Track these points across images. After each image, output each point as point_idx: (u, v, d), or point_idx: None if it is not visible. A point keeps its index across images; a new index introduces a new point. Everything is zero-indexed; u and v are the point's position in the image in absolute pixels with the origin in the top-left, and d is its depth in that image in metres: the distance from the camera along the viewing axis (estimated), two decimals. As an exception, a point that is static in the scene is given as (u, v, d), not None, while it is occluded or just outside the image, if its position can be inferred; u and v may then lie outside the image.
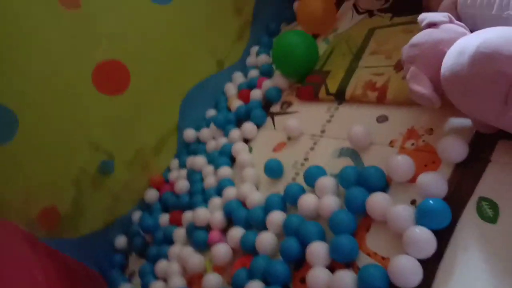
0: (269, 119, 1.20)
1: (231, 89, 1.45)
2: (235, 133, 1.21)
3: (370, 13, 1.16)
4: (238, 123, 1.27)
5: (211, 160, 1.21)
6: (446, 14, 0.73)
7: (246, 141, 1.20)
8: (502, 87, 0.54)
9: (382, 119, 0.89)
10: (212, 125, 1.35)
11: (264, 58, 1.42)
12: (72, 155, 1.22)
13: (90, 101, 1.22)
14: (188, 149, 1.38)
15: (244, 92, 1.35)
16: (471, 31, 0.80)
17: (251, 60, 1.52)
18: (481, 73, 0.56)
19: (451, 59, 0.62)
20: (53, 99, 1.15)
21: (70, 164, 1.22)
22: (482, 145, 0.68)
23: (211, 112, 1.44)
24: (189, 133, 1.39)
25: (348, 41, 1.14)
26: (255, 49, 1.53)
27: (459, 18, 0.83)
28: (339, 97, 1.02)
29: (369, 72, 0.99)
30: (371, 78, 0.97)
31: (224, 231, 1.00)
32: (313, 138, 1.01)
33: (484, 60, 0.56)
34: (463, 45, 0.61)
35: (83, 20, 1.16)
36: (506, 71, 0.53)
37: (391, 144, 0.82)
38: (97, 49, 1.21)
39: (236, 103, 1.33)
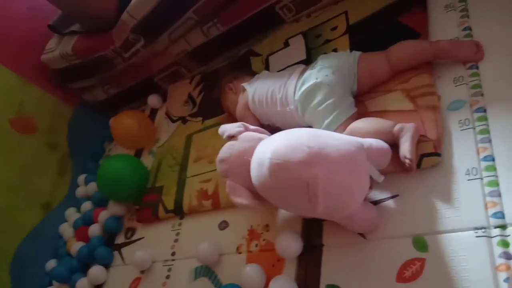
0: (116, 254, 1.10)
1: (67, 230, 1.30)
2: (82, 283, 1.06)
3: (183, 120, 1.20)
4: (85, 268, 1.12)
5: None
6: (240, 124, 0.78)
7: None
8: (302, 190, 0.58)
9: (223, 225, 0.90)
10: (55, 282, 1.17)
11: (94, 186, 1.32)
12: None
13: None
14: (32, 320, 1.16)
15: (81, 230, 1.22)
16: (269, 125, 0.89)
17: (80, 191, 1.39)
18: (281, 182, 0.60)
19: (255, 171, 0.66)
20: None
21: None
22: (313, 231, 0.73)
23: (52, 264, 1.25)
24: (28, 302, 1.17)
25: (171, 152, 1.14)
26: (82, 178, 1.42)
27: (256, 118, 0.91)
28: (178, 212, 1.00)
29: (197, 180, 1.00)
30: (202, 186, 0.97)
31: None
32: (166, 264, 0.95)
33: (279, 171, 0.60)
34: (260, 156, 0.65)
35: None
36: (298, 176, 0.58)
37: (239, 250, 0.82)
38: None
39: (76, 246, 1.18)
